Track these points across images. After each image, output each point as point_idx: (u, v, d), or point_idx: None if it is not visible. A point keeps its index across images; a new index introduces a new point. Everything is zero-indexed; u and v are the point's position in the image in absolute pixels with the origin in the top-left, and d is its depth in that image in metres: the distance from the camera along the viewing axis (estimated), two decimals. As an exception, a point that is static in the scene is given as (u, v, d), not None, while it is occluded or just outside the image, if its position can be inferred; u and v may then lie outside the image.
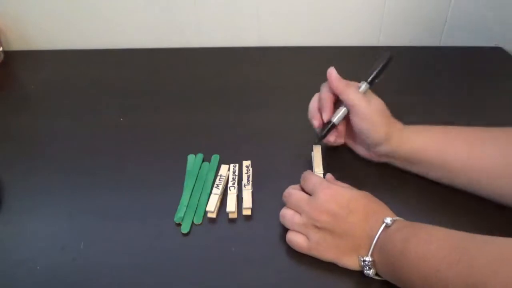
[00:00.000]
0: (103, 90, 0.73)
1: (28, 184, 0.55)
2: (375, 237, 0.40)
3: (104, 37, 0.84)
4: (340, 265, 0.43)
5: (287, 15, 0.82)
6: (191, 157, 0.57)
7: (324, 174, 0.52)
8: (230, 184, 0.52)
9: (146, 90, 0.73)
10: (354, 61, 0.80)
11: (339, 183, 0.48)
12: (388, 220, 0.40)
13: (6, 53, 0.83)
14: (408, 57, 0.82)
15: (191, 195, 0.52)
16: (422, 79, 0.76)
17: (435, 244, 0.37)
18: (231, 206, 0.50)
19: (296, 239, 0.44)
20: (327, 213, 0.42)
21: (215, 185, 0.52)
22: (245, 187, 0.52)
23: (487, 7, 0.80)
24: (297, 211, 0.45)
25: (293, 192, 0.46)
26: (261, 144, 0.60)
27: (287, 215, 0.45)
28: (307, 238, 0.44)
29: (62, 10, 0.81)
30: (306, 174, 0.48)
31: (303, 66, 0.80)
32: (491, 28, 0.83)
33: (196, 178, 0.55)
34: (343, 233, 0.42)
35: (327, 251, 0.43)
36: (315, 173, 0.53)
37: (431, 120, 0.58)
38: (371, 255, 0.40)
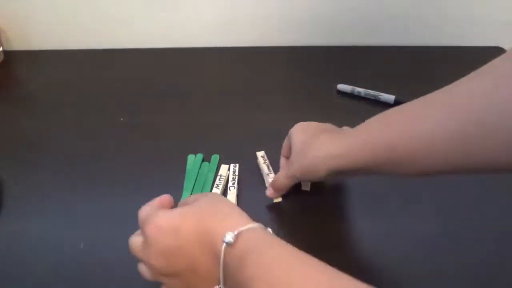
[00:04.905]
0: (103, 90, 0.73)
1: (28, 184, 0.55)
2: (221, 262, 0.32)
3: (104, 37, 0.84)
4: None
5: (286, 15, 0.82)
6: (191, 157, 0.58)
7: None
8: (230, 184, 0.52)
9: (146, 90, 0.73)
10: (354, 61, 0.80)
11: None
12: (228, 237, 0.32)
13: (6, 53, 0.83)
14: (408, 57, 0.82)
15: (191, 195, 0.52)
16: (422, 79, 0.76)
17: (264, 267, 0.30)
18: (231, 206, 0.50)
19: None
20: (158, 255, 0.34)
21: (215, 185, 0.52)
22: (268, 176, 0.53)
23: (487, 7, 0.80)
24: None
25: (130, 244, 0.37)
26: (261, 144, 0.60)
27: (140, 270, 0.38)
28: None
29: (62, 10, 0.81)
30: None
31: (303, 66, 0.80)
32: (491, 28, 0.83)
33: (196, 178, 0.55)
34: (185, 270, 0.34)
35: None
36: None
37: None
38: (224, 285, 0.33)
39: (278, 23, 0.83)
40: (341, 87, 0.71)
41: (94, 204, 0.52)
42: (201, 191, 0.53)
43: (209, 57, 0.83)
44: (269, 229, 0.35)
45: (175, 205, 0.51)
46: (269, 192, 0.51)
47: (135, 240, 0.37)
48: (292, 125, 0.59)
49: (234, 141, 0.61)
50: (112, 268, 0.45)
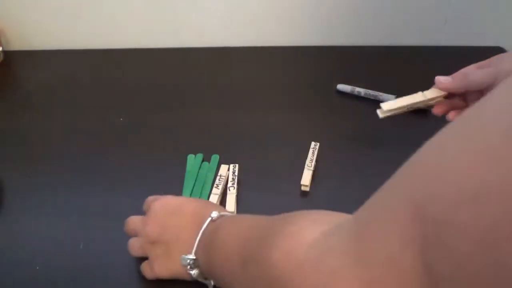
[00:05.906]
0: (103, 90, 0.73)
1: (28, 184, 0.55)
2: (203, 228, 0.37)
3: (104, 37, 0.84)
4: (182, 279, 0.40)
5: (286, 15, 0.82)
6: (191, 157, 0.58)
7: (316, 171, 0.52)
8: (229, 184, 0.52)
9: (146, 90, 0.73)
10: (354, 61, 0.80)
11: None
12: (214, 214, 0.38)
13: (6, 53, 0.83)
14: (408, 57, 0.82)
15: (191, 195, 0.52)
16: (422, 79, 0.76)
17: (235, 228, 0.36)
18: (230, 206, 0.50)
19: (142, 266, 0.42)
20: (155, 223, 0.40)
21: (214, 185, 0.52)
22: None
23: (486, 7, 0.80)
24: (136, 236, 0.43)
25: (128, 220, 0.44)
26: (261, 144, 0.61)
27: (129, 244, 0.43)
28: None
29: (62, 10, 0.81)
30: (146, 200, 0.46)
31: (303, 66, 0.80)
32: (491, 28, 0.83)
33: (196, 178, 0.55)
34: (171, 239, 0.39)
35: (162, 266, 0.40)
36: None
37: (432, 120, 0.59)
38: (195, 253, 0.37)
39: (278, 23, 0.83)
40: (341, 87, 0.71)
41: (94, 204, 0.52)
42: (201, 191, 0.53)
43: (209, 57, 0.83)
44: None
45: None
46: (444, 80, 0.48)
47: (134, 217, 0.44)
48: (292, 125, 0.59)
49: (234, 141, 0.61)
50: (112, 268, 0.45)
